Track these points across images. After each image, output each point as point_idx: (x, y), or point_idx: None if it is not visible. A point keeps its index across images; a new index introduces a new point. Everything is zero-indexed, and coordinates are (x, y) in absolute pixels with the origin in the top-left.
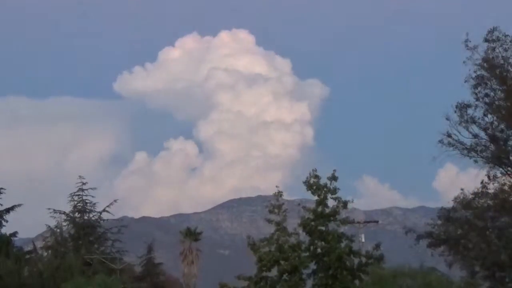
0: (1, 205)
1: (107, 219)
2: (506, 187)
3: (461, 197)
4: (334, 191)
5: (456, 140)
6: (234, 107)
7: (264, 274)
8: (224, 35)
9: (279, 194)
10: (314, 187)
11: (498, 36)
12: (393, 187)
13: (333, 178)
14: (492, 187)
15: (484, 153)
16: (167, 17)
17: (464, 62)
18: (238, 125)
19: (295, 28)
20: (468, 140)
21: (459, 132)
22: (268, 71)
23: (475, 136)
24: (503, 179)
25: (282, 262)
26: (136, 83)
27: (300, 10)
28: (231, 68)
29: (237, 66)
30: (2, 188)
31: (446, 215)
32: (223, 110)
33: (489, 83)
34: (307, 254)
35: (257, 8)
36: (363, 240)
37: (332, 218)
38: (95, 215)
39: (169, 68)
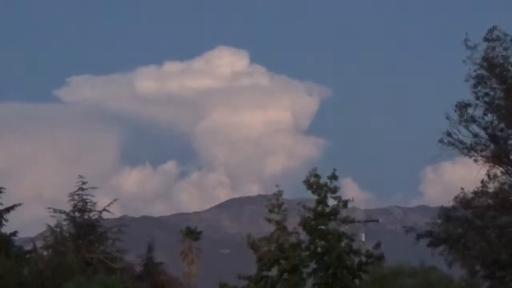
0: (1, 204)
1: (107, 218)
2: (506, 186)
3: (461, 196)
4: (334, 190)
5: (456, 139)
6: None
7: (264, 273)
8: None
9: (279, 193)
10: (314, 186)
11: (498, 35)
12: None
13: (333, 177)
14: (492, 186)
15: (484, 152)
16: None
17: (464, 61)
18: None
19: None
20: (468, 139)
21: (459, 131)
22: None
23: (475, 135)
24: (503, 178)
25: (282, 261)
26: None
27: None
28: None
29: None
30: (2, 188)
31: (446, 214)
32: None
33: (489, 82)
34: (307, 253)
35: None
36: (363, 239)
37: (332, 217)
38: (95, 214)
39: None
